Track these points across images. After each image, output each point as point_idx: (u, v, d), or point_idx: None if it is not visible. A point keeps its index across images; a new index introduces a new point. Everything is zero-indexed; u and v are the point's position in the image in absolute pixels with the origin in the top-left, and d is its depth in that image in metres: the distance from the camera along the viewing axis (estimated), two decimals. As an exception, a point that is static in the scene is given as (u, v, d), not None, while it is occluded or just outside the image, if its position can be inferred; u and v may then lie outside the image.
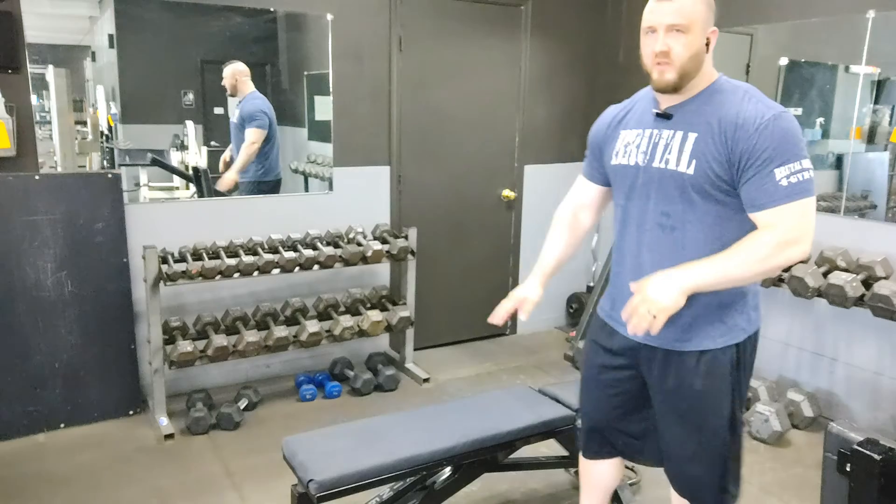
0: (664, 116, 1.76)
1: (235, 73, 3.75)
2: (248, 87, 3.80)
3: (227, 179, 3.83)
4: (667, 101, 1.76)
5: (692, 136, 1.70)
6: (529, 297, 2.01)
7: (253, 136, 3.83)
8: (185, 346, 3.23)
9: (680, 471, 1.91)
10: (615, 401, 2.00)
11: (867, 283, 3.10)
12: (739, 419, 1.84)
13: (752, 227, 1.67)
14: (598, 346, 2.01)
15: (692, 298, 1.66)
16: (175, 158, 3.79)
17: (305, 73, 4.02)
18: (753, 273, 1.64)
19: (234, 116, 3.86)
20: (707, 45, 1.69)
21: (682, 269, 1.63)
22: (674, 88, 1.70)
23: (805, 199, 1.60)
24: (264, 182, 3.93)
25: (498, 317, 2.01)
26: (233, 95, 3.80)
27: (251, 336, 3.36)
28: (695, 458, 1.85)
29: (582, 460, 2.19)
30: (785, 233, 1.60)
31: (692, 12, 1.64)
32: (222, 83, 3.75)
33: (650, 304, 1.58)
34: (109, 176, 3.32)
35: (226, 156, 3.87)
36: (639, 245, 1.83)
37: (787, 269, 3.35)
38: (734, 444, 1.84)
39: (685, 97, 1.73)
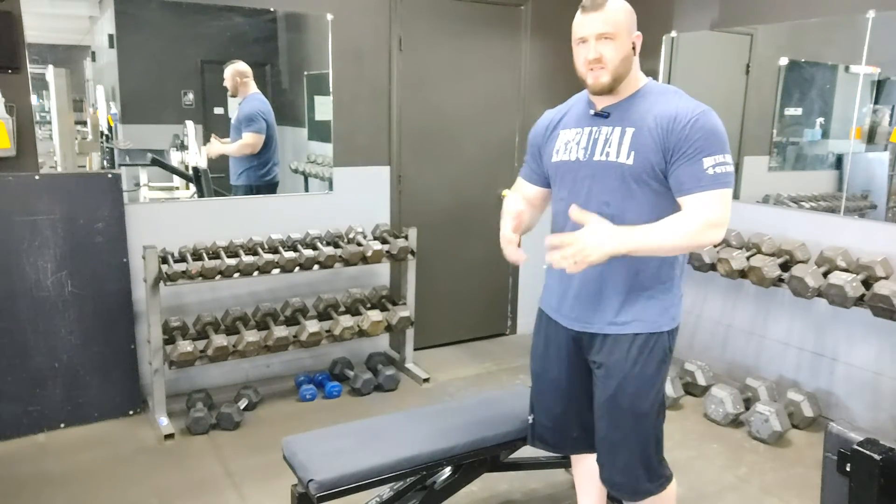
0: (601, 115, 1.92)
1: (236, 73, 3.74)
2: (250, 87, 3.79)
3: (215, 149, 3.82)
4: (602, 102, 1.92)
5: (630, 131, 1.86)
6: (508, 234, 1.95)
7: (249, 140, 3.82)
8: (185, 346, 3.23)
9: (611, 457, 1.99)
10: (566, 389, 2.09)
11: (867, 283, 3.10)
12: (663, 404, 2.00)
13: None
14: (544, 337, 2.13)
15: (624, 285, 1.89)
16: (175, 158, 3.79)
17: (305, 73, 4.02)
18: (681, 245, 1.80)
19: (234, 116, 3.86)
20: (634, 48, 1.87)
21: (622, 229, 1.76)
22: (608, 90, 1.87)
23: (726, 189, 1.79)
24: (262, 186, 3.92)
25: (517, 256, 1.93)
26: (234, 96, 3.80)
27: (251, 336, 3.36)
28: (624, 443, 1.96)
29: (573, 458, 2.29)
30: (711, 215, 1.76)
31: (617, 21, 1.82)
32: (224, 83, 3.75)
33: (581, 251, 1.67)
34: (109, 176, 3.32)
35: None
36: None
37: (786, 270, 3.35)
38: (659, 428, 2.00)
39: (619, 98, 1.90)
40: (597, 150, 1.90)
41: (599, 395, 1.97)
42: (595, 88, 1.87)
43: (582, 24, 1.85)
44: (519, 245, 1.97)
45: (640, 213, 1.84)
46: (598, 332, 1.95)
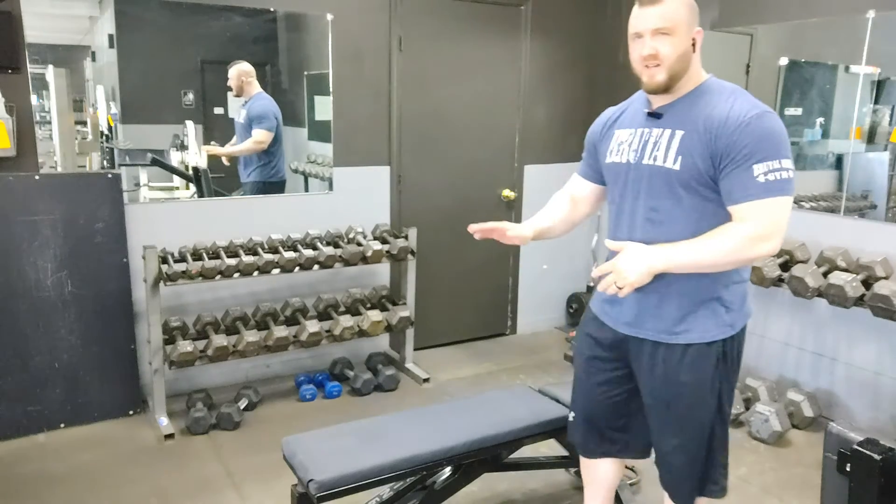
0: (655, 116, 1.83)
1: (241, 73, 3.75)
2: (255, 87, 3.80)
3: (219, 151, 3.84)
4: (658, 101, 1.83)
5: (679, 134, 1.76)
6: (520, 229, 2.03)
7: (261, 137, 3.84)
8: (185, 346, 3.23)
9: (665, 462, 1.96)
10: (605, 393, 2.05)
11: (867, 283, 3.10)
12: (726, 413, 1.90)
13: None
14: (590, 338, 2.07)
15: (681, 294, 1.78)
16: (175, 158, 3.78)
17: (305, 73, 4.02)
18: (723, 262, 1.71)
19: (239, 116, 3.85)
20: (693, 45, 1.77)
21: (657, 248, 1.71)
22: (664, 89, 1.78)
23: (780, 198, 1.66)
24: (271, 183, 3.95)
25: (482, 231, 1.99)
26: (238, 95, 3.80)
27: (251, 336, 3.36)
28: (678, 450, 1.91)
29: (583, 459, 2.22)
30: (757, 227, 1.66)
31: (676, 15, 1.72)
32: (228, 83, 3.75)
33: (618, 276, 1.67)
34: (109, 176, 3.32)
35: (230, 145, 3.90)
36: (630, 239, 1.86)
37: (786, 270, 3.35)
38: (719, 437, 1.90)
39: (675, 97, 1.80)
40: (646, 154, 1.82)
41: (650, 402, 1.92)
42: (650, 87, 1.79)
43: (638, 17, 1.75)
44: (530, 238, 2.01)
45: (689, 221, 1.76)
46: (649, 339, 1.88)
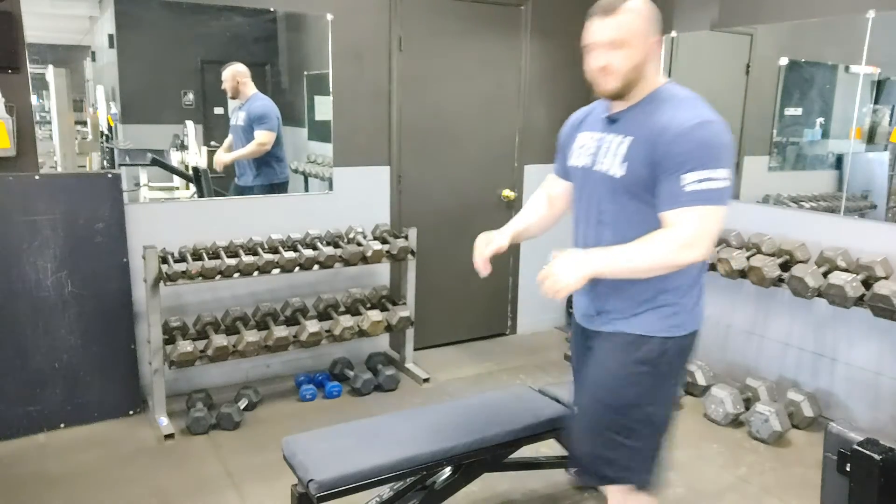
0: (612, 120, 1.87)
1: (236, 74, 3.73)
2: (251, 88, 3.78)
3: (221, 160, 3.82)
4: (615, 107, 1.86)
5: (628, 140, 1.80)
6: (495, 239, 2.10)
7: (264, 138, 3.82)
8: (185, 346, 3.23)
9: (572, 441, 1.99)
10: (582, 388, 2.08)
11: (867, 283, 3.10)
12: (650, 413, 1.87)
13: None
14: (573, 333, 2.16)
15: (627, 292, 1.84)
16: (175, 158, 3.79)
17: (305, 73, 4.02)
18: (652, 268, 1.73)
19: (237, 119, 3.84)
20: (651, 53, 1.79)
21: (590, 254, 1.75)
22: (617, 96, 1.81)
23: (708, 207, 1.67)
24: (278, 184, 3.95)
25: (484, 264, 2.11)
26: (234, 98, 3.79)
27: (251, 336, 3.36)
28: (583, 433, 1.94)
29: None
30: (682, 235, 1.68)
31: (629, 28, 1.74)
32: (222, 86, 3.74)
33: (554, 280, 1.70)
34: (109, 176, 3.32)
35: (225, 146, 3.86)
36: (585, 241, 1.95)
37: (786, 270, 3.35)
38: (638, 431, 1.87)
39: (630, 103, 1.83)
40: (598, 159, 1.87)
41: (584, 381, 1.99)
42: (602, 94, 1.83)
43: (590, 30, 1.79)
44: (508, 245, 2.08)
45: (631, 224, 1.80)
46: (597, 329, 1.95)
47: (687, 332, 1.88)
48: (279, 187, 3.95)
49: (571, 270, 1.69)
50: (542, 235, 2.26)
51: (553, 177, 2.20)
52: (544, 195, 2.23)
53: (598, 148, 1.88)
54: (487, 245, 2.08)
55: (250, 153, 3.84)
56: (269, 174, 3.90)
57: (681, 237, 1.67)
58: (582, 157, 1.94)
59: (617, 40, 1.74)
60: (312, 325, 3.49)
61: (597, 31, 1.77)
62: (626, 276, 1.78)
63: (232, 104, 3.82)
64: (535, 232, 2.21)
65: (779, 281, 3.36)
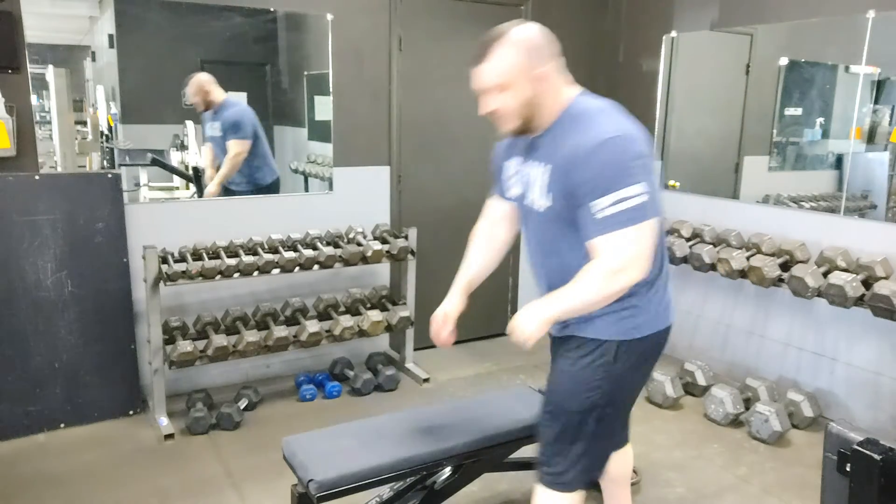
0: (532, 147, 1.82)
1: (201, 84, 3.60)
2: (219, 93, 3.66)
3: (211, 192, 3.77)
4: (533, 132, 1.80)
5: (548, 169, 1.75)
6: (449, 312, 2.09)
7: (237, 148, 3.74)
8: (185, 346, 3.23)
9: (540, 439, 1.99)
10: None
11: (867, 283, 3.10)
12: (603, 417, 1.85)
13: None
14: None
15: None
16: (175, 158, 3.78)
17: (305, 73, 4.02)
18: (595, 301, 1.70)
19: (212, 129, 3.75)
20: (544, 82, 1.72)
21: (542, 303, 1.73)
22: (520, 133, 1.78)
23: (628, 228, 1.61)
24: (266, 186, 3.92)
25: (443, 340, 2.08)
26: (206, 110, 3.67)
27: (251, 336, 3.36)
28: (540, 426, 1.95)
29: None
30: (610, 263, 1.64)
31: (506, 70, 1.69)
32: (189, 101, 3.60)
33: (519, 333, 1.71)
34: (109, 176, 3.32)
35: (212, 164, 3.80)
36: (536, 268, 1.97)
37: (786, 270, 3.35)
38: (585, 432, 1.86)
39: (543, 128, 1.77)
40: (527, 189, 1.83)
41: (548, 386, 1.99)
42: (506, 134, 1.80)
43: (473, 77, 1.75)
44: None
45: (574, 252, 1.75)
46: (558, 335, 1.93)
47: (645, 335, 1.84)
48: (269, 188, 3.92)
49: (532, 322, 1.69)
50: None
51: (495, 200, 2.15)
52: (487, 226, 2.18)
53: (525, 178, 1.85)
54: (444, 323, 2.06)
55: (230, 170, 3.77)
56: (256, 178, 3.87)
57: (609, 266, 1.64)
58: (515, 187, 1.91)
59: (497, 85, 1.70)
60: (312, 325, 3.49)
61: (477, 78, 1.74)
62: (582, 312, 1.76)
63: (205, 115, 3.71)
64: (488, 271, 2.19)
65: (779, 281, 3.36)
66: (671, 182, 4.37)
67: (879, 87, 3.44)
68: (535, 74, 1.70)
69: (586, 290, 1.69)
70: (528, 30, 1.76)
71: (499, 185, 2.09)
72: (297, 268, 3.47)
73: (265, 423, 3.41)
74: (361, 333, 3.63)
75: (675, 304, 1.98)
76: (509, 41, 1.71)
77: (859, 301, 3.07)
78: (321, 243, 3.60)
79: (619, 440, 2.15)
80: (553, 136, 1.74)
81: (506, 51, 1.70)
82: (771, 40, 3.94)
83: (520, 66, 1.70)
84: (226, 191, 3.85)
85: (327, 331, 3.57)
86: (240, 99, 3.77)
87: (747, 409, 3.43)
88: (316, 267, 3.52)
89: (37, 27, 3.14)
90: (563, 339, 1.92)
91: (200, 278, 3.24)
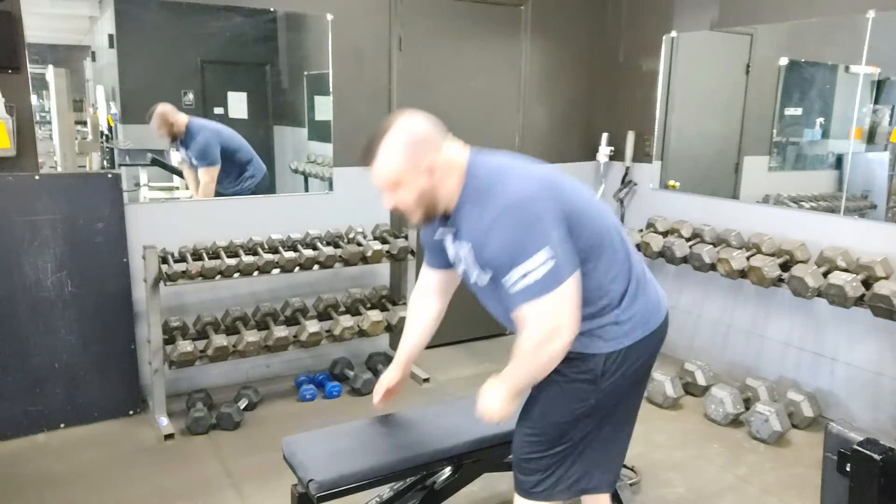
0: (452, 225, 1.81)
1: (163, 115, 3.55)
2: (182, 119, 3.62)
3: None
4: (448, 210, 1.80)
5: (469, 246, 1.75)
6: (386, 383, 2.18)
7: (205, 177, 3.70)
8: (185, 346, 3.23)
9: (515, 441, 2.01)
10: None
11: (867, 283, 3.10)
12: (581, 428, 1.86)
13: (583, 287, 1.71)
14: None
15: None
16: (175, 158, 3.78)
17: (305, 73, 4.03)
18: (538, 372, 1.75)
19: (182, 157, 3.71)
20: (433, 173, 1.72)
21: (497, 385, 1.79)
22: (430, 220, 1.81)
23: (543, 298, 1.61)
24: (257, 188, 3.90)
25: (376, 405, 2.20)
26: (174, 139, 3.63)
27: (251, 336, 3.36)
28: (516, 437, 1.97)
29: None
30: (535, 336, 1.65)
31: (393, 169, 1.71)
32: (157, 132, 3.57)
33: (489, 417, 1.81)
34: (109, 176, 3.32)
35: (195, 183, 3.78)
36: (488, 308, 2.03)
37: (786, 270, 3.35)
38: (566, 440, 1.87)
39: (452, 208, 1.77)
40: (466, 266, 1.82)
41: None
42: (417, 225, 1.85)
43: (370, 176, 1.78)
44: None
45: None
46: None
47: (630, 343, 1.82)
48: (262, 188, 3.90)
49: (494, 405, 1.78)
50: None
51: (428, 270, 2.15)
52: (419, 300, 2.24)
53: (459, 256, 1.85)
54: (380, 391, 2.18)
55: (205, 195, 3.73)
56: (242, 185, 3.85)
57: (535, 339, 1.65)
58: (458, 265, 1.90)
59: (390, 184, 1.74)
60: (312, 325, 3.49)
61: (371, 178, 1.77)
62: (530, 385, 1.83)
63: (174, 144, 3.66)
64: (424, 344, 2.27)
65: (779, 281, 3.36)
66: (671, 182, 4.37)
67: (879, 87, 3.45)
68: (425, 166, 1.71)
69: (526, 367, 1.73)
70: (411, 124, 1.75)
71: (428, 255, 2.11)
72: (297, 268, 3.47)
73: (265, 423, 3.41)
74: (361, 333, 3.63)
75: (668, 301, 1.97)
76: (393, 140, 1.72)
77: (859, 301, 3.07)
78: (321, 243, 3.60)
79: (604, 469, 2.02)
80: (462, 213, 1.75)
81: (391, 151, 1.72)
82: (771, 40, 3.94)
83: (407, 163, 1.71)
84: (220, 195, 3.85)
85: (327, 331, 3.57)
86: (202, 122, 3.69)
87: (747, 409, 3.43)
88: (316, 267, 3.52)
89: (37, 27, 3.14)
90: None
91: (200, 278, 3.24)
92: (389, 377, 2.19)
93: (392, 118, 1.77)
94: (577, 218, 1.70)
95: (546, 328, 1.64)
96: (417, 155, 1.71)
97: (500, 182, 1.69)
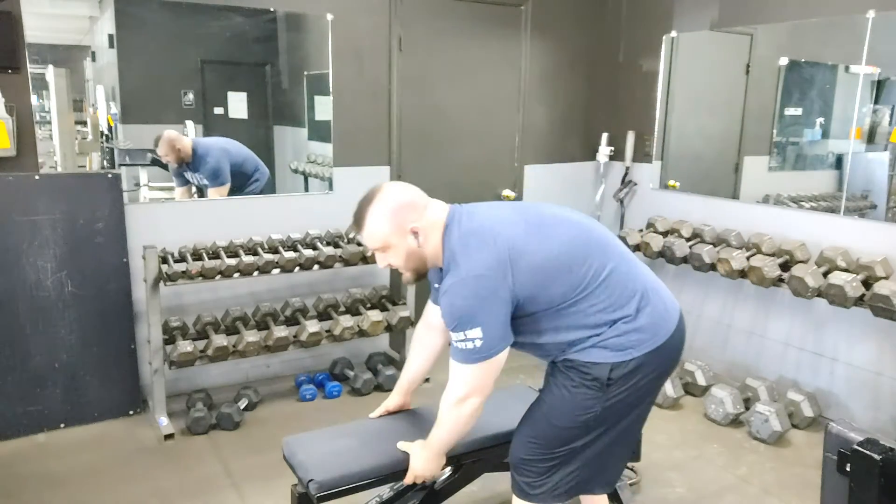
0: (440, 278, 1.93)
1: (170, 142, 3.58)
2: (188, 143, 3.64)
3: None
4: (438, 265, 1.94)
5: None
6: (389, 409, 2.38)
7: (217, 195, 3.73)
8: (185, 346, 3.23)
9: (514, 441, 2.07)
10: None
11: (867, 283, 3.10)
12: (577, 437, 1.90)
13: (559, 318, 1.86)
14: None
15: (542, 351, 1.98)
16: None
17: (305, 73, 4.03)
18: (458, 430, 1.93)
19: (193, 179, 3.73)
20: (418, 236, 1.86)
21: (425, 448, 2.01)
22: (420, 278, 1.98)
23: (466, 365, 1.82)
24: (262, 190, 3.92)
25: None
26: (182, 163, 3.65)
27: (251, 336, 3.36)
28: (516, 437, 2.04)
29: None
30: (455, 393, 1.87)
31: (381, 235, 1.87)
32: (164, 159, 3.60)
33: (420, 477, 2.03)
34: (109, 176, 3.32)
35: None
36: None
37: (786, 270, 3.35)
38: (571, 448, 1.91)
39: (440, 264, 1.91)
40: None
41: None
42: (409, 281, 2.00)
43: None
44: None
45: (542, 341, 1.94)
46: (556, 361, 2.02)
47: (621, 360, 1.84)
48: (266, 188, 3.91)
49: (422, 465, 2.00)
50: None
51: (431, 305, 2.26)
52: (423, 332, 2.32)
53: None
54: (380, 412, 2.36)
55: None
56: (246, 191, 3.86)
57: (454, 397, 1.86)
58: None
59: (379, 248, 1.90)
60: (312, 325, 3.49)
61: (362, 241, 1.92)
62: (456, 440, 1.96)
63: (181, 168, 3.68)
64: (424, 374, 2.39)
65: (779, 281, 3.36)
66: (671, 182, 4.37)
67: (879, 87, 3.44)
68: (410, 231, 1.86)
69: (446, 426, 1.91)
70: (393, 192, 1.92)
71: (433, 293, 2.18)
72: (297, 268, 3.47)
73: (265, 423, 3.41)
74: (361, 333, 3.63)
75: (682, 311, 1.97)
76: (379, 208, 1.88)
77: (859, 301, 3.07)
78: (321, 243, 3.60)
79: (605, 474, 2.05)
80: (446, 270, 1.87)
81: (376, 218, 1.87)
82: (771, 40, 3.94)
83: (392, 228, 1.86)
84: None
85: (327, 331, 3.57)
86: (208, 143, 3.70)
87: (747, 409, 3.43)
88: (316, 267, 3.52)
89: (37, 27, 3.14)
90: (561, 362, 1.96)
91: (200, 278, 3.24)
92: (391, 402, 2.37)
93: (376, 187, 1.93)
94: (541, 280, 1.80)
95: (464, 390, 1.85)
96: (403, 220, 1.86)
97: (464, 252, 1.81)
